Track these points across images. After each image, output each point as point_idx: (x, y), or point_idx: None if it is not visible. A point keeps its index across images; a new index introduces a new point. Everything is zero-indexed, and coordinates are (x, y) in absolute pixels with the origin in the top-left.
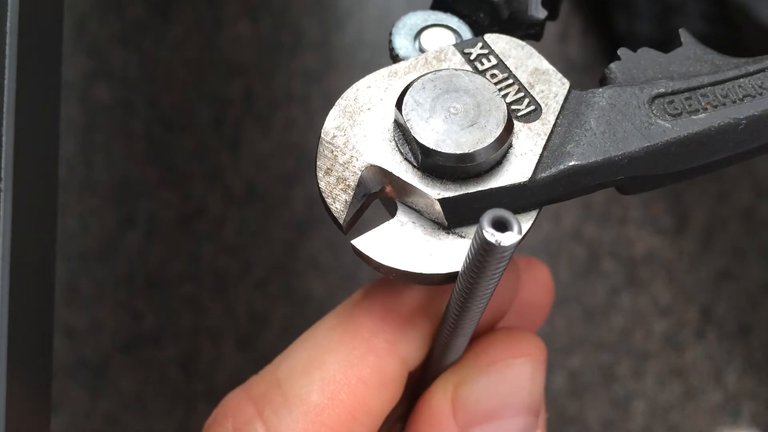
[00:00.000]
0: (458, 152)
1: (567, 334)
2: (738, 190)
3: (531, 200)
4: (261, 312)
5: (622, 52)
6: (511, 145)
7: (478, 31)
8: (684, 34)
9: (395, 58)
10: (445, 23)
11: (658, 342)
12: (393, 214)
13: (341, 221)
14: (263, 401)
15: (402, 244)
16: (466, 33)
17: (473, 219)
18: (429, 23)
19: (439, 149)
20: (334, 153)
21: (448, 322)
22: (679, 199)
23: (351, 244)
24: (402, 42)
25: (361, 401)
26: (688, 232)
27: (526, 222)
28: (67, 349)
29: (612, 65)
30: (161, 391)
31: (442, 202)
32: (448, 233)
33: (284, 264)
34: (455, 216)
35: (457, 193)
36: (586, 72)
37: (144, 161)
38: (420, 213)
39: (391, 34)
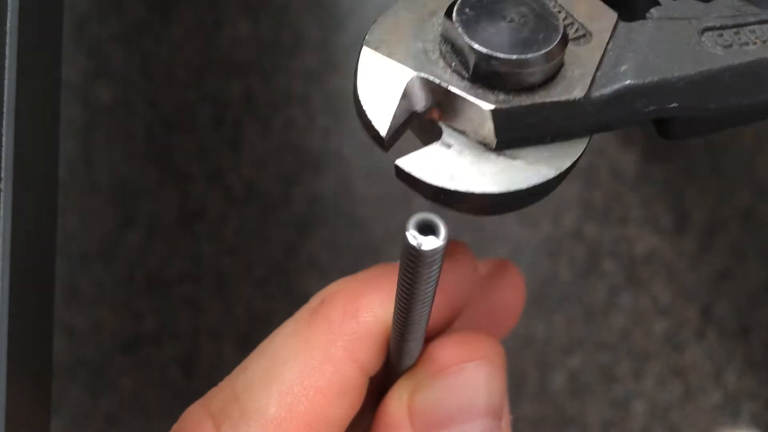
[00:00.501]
0: (512, 57)
1: (567, 334)
2: (738, 190)
3: (584, 121)
4: (261, 312)
5: None
6: (563, 64)
7: None
8: None
9: None
10: None
11: (658, 342)
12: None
13: (383, 134)
14: (221, 416)
15: (450, 164)
16: None
17: (523, 139)
18: None
19: (493, 53)
20: (378, 63)
21: (396, 327)
22: (679, 199)
23: (395, 164)
24: None
25: (319, 412)
26: (688, 232)
27: (576, 148)
28: (67, 349)
29: (653, 10)
30: (161, 391)
31: (495, 113)
32: (498, 155)
33: (284, 264)
34: (505, 132)
35: (510, 105)
36: None
37: (144, 161)
38: (466, 136)
39: None
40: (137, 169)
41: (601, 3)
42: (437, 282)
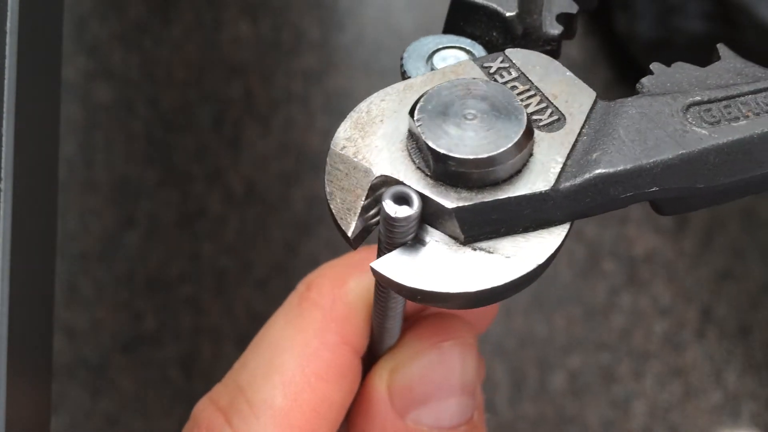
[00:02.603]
0: (472, 157)
1: (567, 334)
2: None
3: (556, 212)
4: (261, 312)
5: (654, 66)
6: (531, 154)
7: (493, 51)
8: (722, 48)
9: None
10: (458, 45)
11: (658, 342)
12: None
13: (349, 234)
14: (231, 410)
15: (426, 264)
16: (481, 52)
17: (492, 232)
18: (441, 46)
19: (451, 154)
20: (344, 163)
21: (377, 306)
22: None
23: (370, 266)
24: (414, 64)
25: (322, 397)
26: (688, 232)
27: (556, 236)
28: (67, 349)
29: (644, 80)
30: (161, 391)
31: (457, 211)
32: (474, 249)
33: (284, 264)
34: (472, 228)
35: (472, 202)
36: (587, 72)
37: (144, 161)
38: (438, 230)
39: (402, 58)
40: (137, 169)
41: (580, 82)
42: None
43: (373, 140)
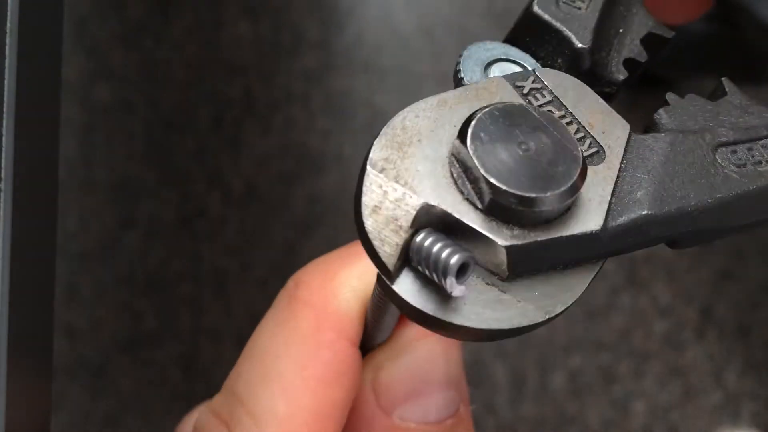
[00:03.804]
0: (533, 195)
1: (567, 334)
2: None
3: (599, 250)
4: (261, 312)
5: (670, 97)
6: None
7: None
8: (727, 83)
9: (459, 82)
10: (520, 60)
11: (658, 342)
12: None
13: (390, 267)
14: (233, 422)
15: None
16: None
17: (535, 270)
18: (505, 57)
19: (511, 190)
20: (384, 188)
21: (375, 307)
22: None
23: (395, 292)
24: (471, 68)
25: (323, 399)
26: None
27: (589, 274)
28: (67, 349)
29: (661, 111)
30: (161, 391)
31: (510, 249)
32: (509, 285)
33: (284, 264)
34: (518, 266)
35: (525, 241)
36: None
37: (144, 161)
38: (476, 261)
39: (460, 57)
40: (137, 169)
41: (614, 112)
42: None
43: (413, 163)
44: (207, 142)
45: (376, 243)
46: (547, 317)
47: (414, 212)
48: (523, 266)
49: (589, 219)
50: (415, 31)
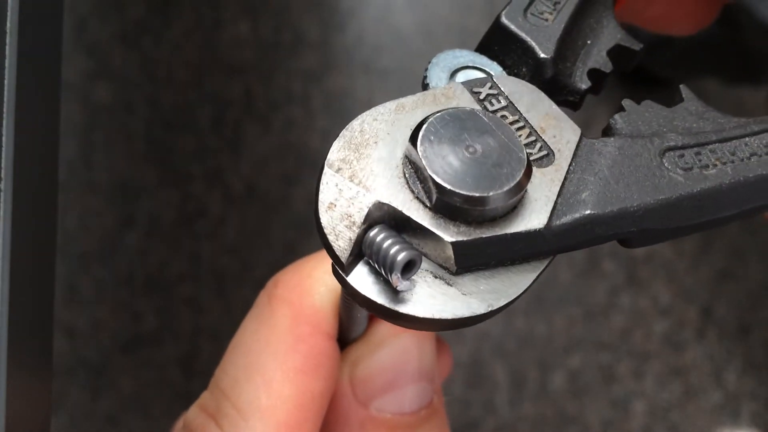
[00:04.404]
0: (476, 194)
1: (567, 334)
2: None
3: (544, 248)
4: None
5: (626, 103)
6: (526, 191)
7: None
8: (685, 90)
9: (425, 87)
10: (486, 68)
11: (658, 342)
12: None
13: (343, 260)
14: (219, 415)
15: (433, 287)
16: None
17: (483, 264)
18: (470, 64)
19: (456, 189)
20: (339, 187)
21: (345, 303)
22: None
23: (348, 283)
24: (437, 74)
25: (304, 390)
26: None
27: (535, 270)
28: (67, 349)
29: (617, 116)
30: (161, 391)
31: (455, 245)
32: (458, 277)
33: (284, 264)
34: (466, 260)
35: (471, 237)
36: None
37: (144, 161)
38: (427, 256)
39: (429, 62)
40: (137, 169)
41: (566, 116)
42: None
43: (368, 163)
44: (207, 142)
45: (330, 237)
46: (489, 310)
47: (366, 209)
48: (469, 261)
49: (534, 218)
50: (415, 31)
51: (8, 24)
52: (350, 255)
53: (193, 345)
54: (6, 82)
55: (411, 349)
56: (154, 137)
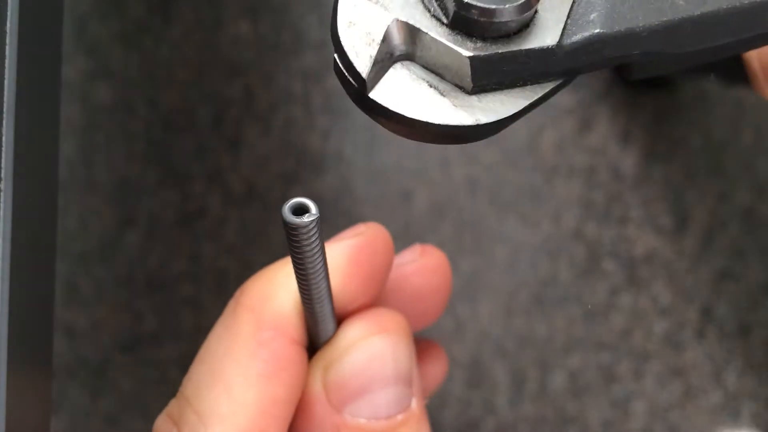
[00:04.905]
0: (492, 6)
1: (567, 334)
2: (738, 190)
3: (555, 67)
4: None
5: None
6: (536, 12)
7: None
8: None
9: None
10: None
11: (658, 342)
12: None
13: (365, 75)
14: (181, 421)
15: (425, 97)
16: None
17: (497, 84)
18: None
19: (472, 1)
20: (358, 6)
21: (303, 302)
22: (680, 199)
23: (369, 97)
24: None
25: (266, 395)
26: (689, 232)
27: (534, 94)
28: (67, 349)
29: None
30: (161, 391)
31: (473, 60)
32: (473, 95)
33: None
34: (481, 78)
35: (487, 53)
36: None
37: (144, 161)
38: (443, 78)
39: None
40: (137, 169)
41: None
42: (323, 256)
43: None
44: (207, 142)
45: (351, 55)
46: (475, 123)
47: (386, 27)
48: (484, 78)
49: (547, 36)
50: None
51: (8, 24)
52: (371, 71)
53: (193, 345)
54: (6, 82)
55: (384, 351)
56: (154, 137)
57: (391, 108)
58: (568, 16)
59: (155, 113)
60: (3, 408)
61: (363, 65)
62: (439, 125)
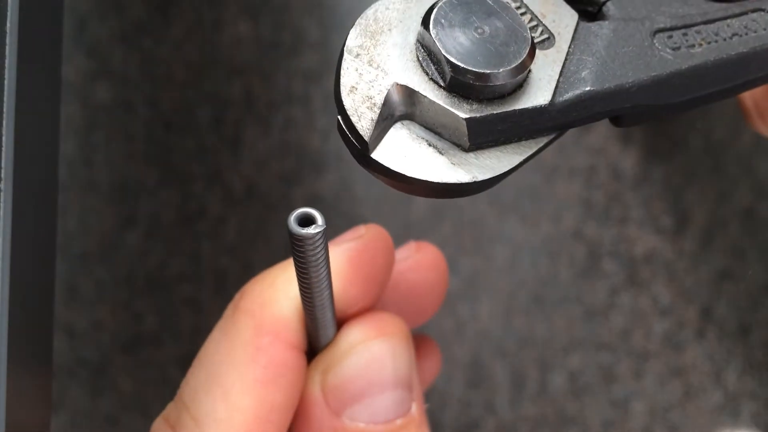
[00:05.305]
0: (488, 71)
1: (567, 334)
2: (738, 190)
3: (548, 124)
4: None
5: None
6: (530, 71)
7: None
8: None
9: None
10: None
11: (658, 342)
12: None
13: (367, 138)
14: (178, 426)
15: (424, 156)
16: None
17: (492, 141)
18: None
19: (469, 67)
20: (359, 71)
21: (304, 308)
22: (679, 199)
23: (371, 157)
24: None
25: (263, 401)
26: (688, 232)
27: (529, 150)
28: (67, 349)
29: (609, 3)
30: (161, 391)
31: (469, 121)
32: (470, 153)
33: None
34: (478, 137)
35: (483, 114)
36: None
37: (144, 161)
38: (441, 137)
39: None
40: (137, 169)
41: (564, 4)
42: (327, 265)
43: (384, 49)
44: (207, 142)
45: (354, 118)
46: (472, 180)
47: (386, 91)
48: (481, 137)
49: (539, 95)
50: None
51: (8, 24)
52: (373, 133)
53: (193, 345)
54: (6, 82)
55: (383, 355)
56: (154, 137)
57: (393, 168)
58: (560, 74)
59: (155, 113)
60: (3, 408)
61: (365, 128)
62: (438, 183)
